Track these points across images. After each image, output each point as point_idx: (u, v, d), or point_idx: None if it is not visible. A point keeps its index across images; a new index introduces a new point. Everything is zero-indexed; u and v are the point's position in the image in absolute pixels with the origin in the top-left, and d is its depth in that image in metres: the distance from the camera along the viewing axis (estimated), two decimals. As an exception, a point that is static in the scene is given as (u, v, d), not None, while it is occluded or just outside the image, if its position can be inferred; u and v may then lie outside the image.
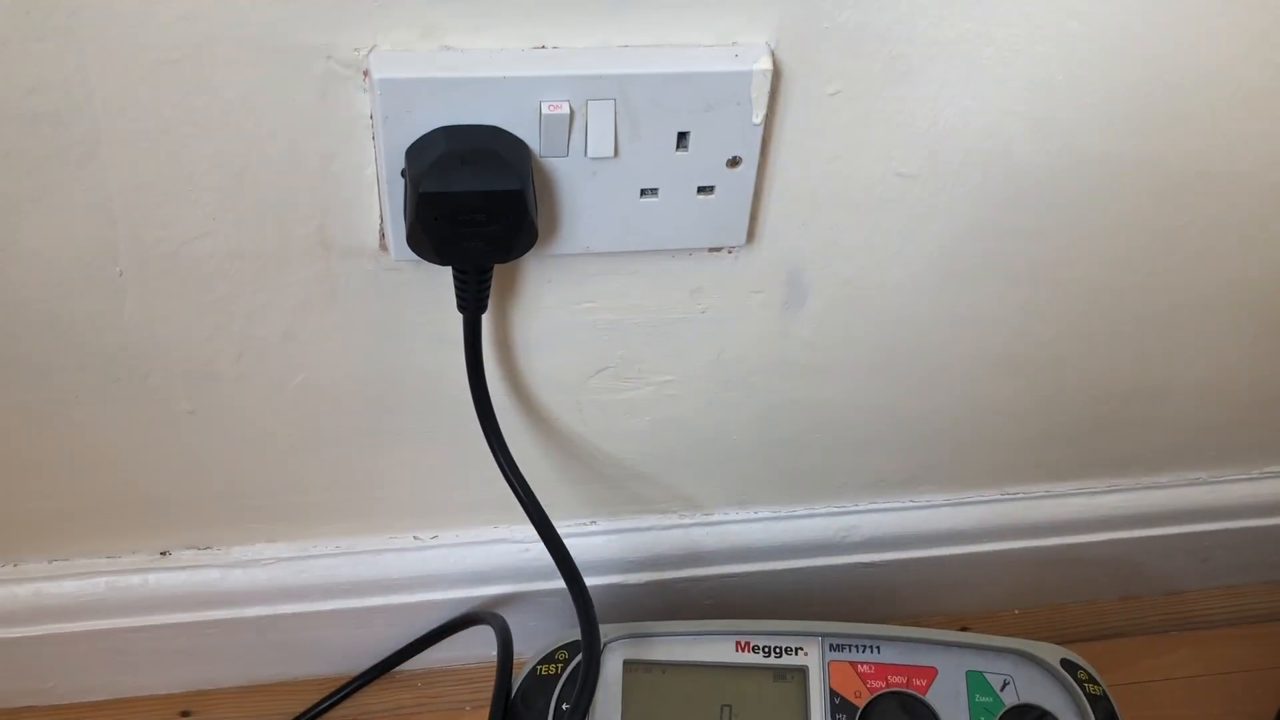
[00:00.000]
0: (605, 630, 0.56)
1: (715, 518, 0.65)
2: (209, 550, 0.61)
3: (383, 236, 0.48)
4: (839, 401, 0.60)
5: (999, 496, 0.67)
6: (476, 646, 0.67)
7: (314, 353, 0.52)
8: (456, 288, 0.48)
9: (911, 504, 0.66)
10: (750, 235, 0.51)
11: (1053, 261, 0.55)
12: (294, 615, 0.62)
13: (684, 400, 0.58)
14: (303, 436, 0.56)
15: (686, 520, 0.65)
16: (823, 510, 0.66)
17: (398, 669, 0.67)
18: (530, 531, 0.61)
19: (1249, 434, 0.67)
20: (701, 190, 0.48)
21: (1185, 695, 0.71)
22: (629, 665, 0.55)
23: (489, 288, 0.48)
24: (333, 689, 0.66)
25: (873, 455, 0.63)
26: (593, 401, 0.58)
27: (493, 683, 0.55)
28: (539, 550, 0.62)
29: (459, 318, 0.49)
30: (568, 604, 0.55)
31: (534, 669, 0.55)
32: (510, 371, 0.55)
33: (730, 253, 0.52)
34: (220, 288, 0.49)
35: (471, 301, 0.48)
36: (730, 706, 0.55)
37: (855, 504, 0.66)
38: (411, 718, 0.67)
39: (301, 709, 0.66)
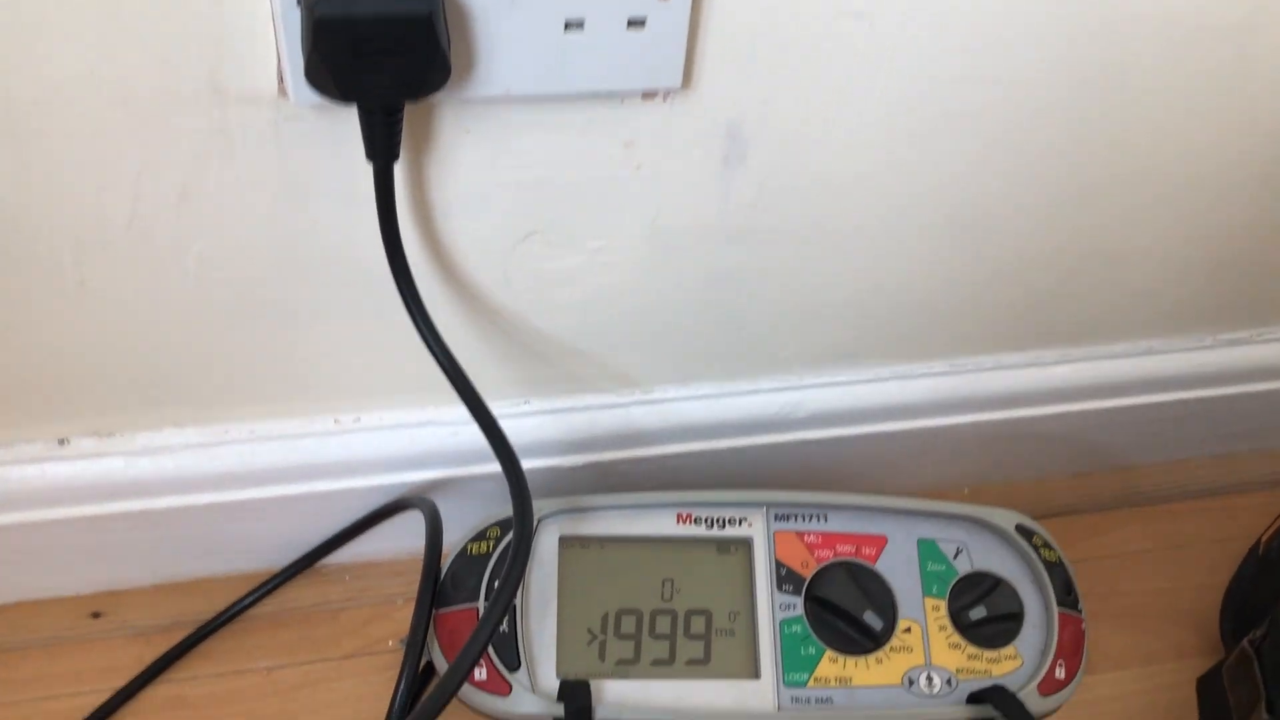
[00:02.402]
0: (540, 505, 0.53)
1: (655, 396, 0.62)
2: (112, 437, 0.56)
3: (281, 80, 0.43)
4: (782, 269, 0.57)
5: (948, 369, 0.65)
6: (407, 537, 0.64)
7: (214, 216, 0.48)
8: (364, 131, 0.43)
9: (858, 378, 0.64)
10: (686, 78, 0.47)
11: (1005, 114, 0.52)
12: (207, 506, 0.58)
13: (619, 269, 0.55)
14: (208, 311, 0.52)
15: (625, 399, 0.62)
16: (766, 386, 0.63)
17: (323, 562, 0.64)
18: (460, 413, 0.58)
19: (1203, 301, 0.65)
20: (632, 24, 0.44)
21: (1136, 571, 0.70)
22: (565, 541, 0.52)
23: (400, 131, 0.44)
24: (254, 585, 0.63)
25: (818, 327, 0.60)
26: (521, 271, 0.54)
27: (423, 571, 0.52)
28: (469, 432, 0.59)
29: (369, 172, 0.45)
30: (501, 488, 0.52)
31: (464, 548, 0.52)
32: (430, 238, 0.51)
33: (665, 100, 0.48)
34: (104, 140, 0.44)
35: (381, 147, 0.44)
36: (672, 580, 0.52)
37: (800, 379, 0.63)
38: (340, 613, 0.64)
39: (221, 607, 0.63)
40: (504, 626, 0.50)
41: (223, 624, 0.62)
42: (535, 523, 0.52)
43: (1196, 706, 0.63)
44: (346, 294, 0.53)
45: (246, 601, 0.63)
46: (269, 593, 0.63)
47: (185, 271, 0.50)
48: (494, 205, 0.50)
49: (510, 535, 0.51)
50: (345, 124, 0.45)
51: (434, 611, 0.50)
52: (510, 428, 0.56)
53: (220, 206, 0.48)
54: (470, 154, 0.48)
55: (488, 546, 0.51)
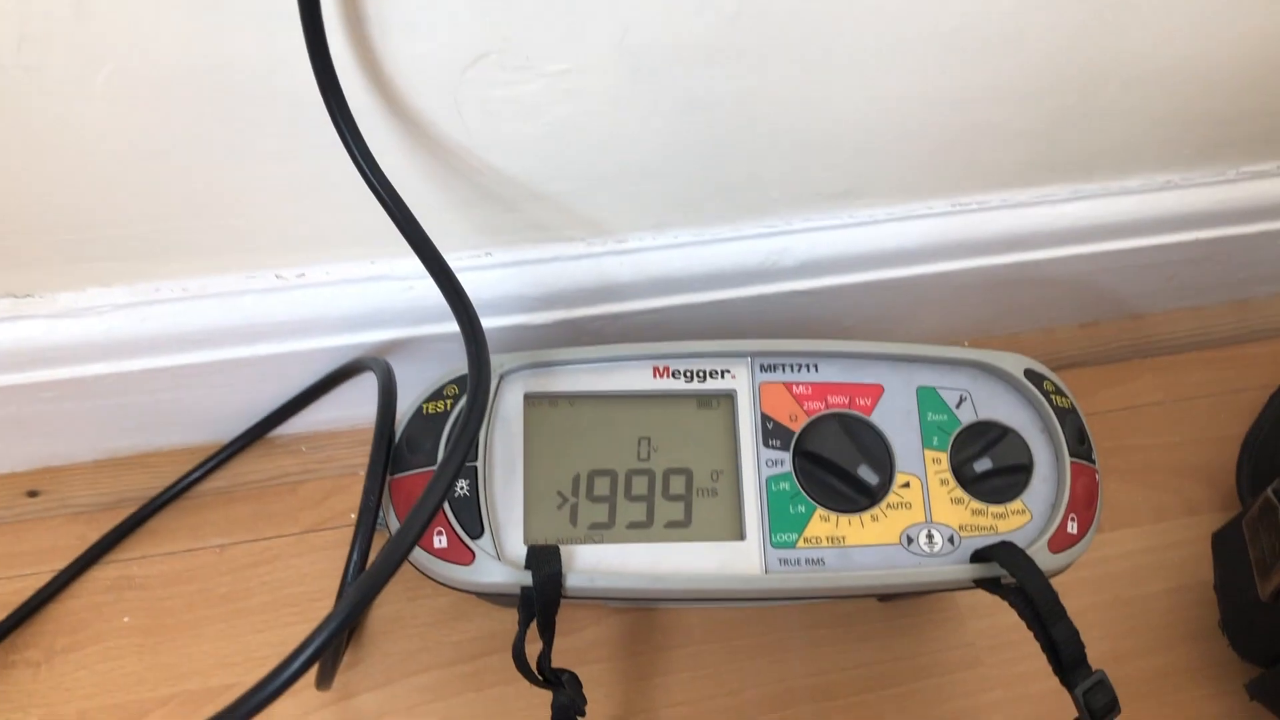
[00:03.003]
0: (502, 360, 0.48)
1: (629, 245, 0.57)
2: (30, 299, 0.51)
3: None
4: (768, 94, 0.51)
5: (950, 209, 0.59)
6: (367, 404, 0.59)
7: (120, 36, 0.42)
8: (277, -78, 0.38)
9: (851, 220, 0.58)
10: None
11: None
12: (143, 373, 0.53)
13: (584, 97, 0.49)
14: (124, 151, 0.46)
15: (596, 249, 0.57)
16: (750, 232, 0.58)
17: (276, 432, 0.60)
18: (414, 265, 0.53)
19: (1229, 127, 0.59)
20: None
21: (1148, 424, 0.66)
22: (530, 399, 0.48)
23: (319, -79, 0.38)
24: (203, 458, 0.59)
25: (807, 162, 0.55)
26: (474, 100, 0.48)
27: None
28: (425, 287, 0.54)
29: (292, -23, 0.39)
30: (462, 348, 0.47)
31: (420, 408, 0.47)
32: (367, 62, 0.45)
33: (628, -112, 0.42)
34: (-22, -58, 0.38)
35: (299, -58, 0.38)
36: (649, 438, 0.48)
37: (788, 223, 0.58)
38: (299, 486, 0.60)
39: (168, 482, 0.58)
40: (465, 490, 0.45)
41: (170, 500, 0.58)
42: (498, 378, 0.48)
43: (1211, 562, 0.60)
44: (277, 127, 0.47)
45: (195, 476, 0.58)
46: (219, 466, 0.59)
47: (92, 104, 0.44)
48: (439, 19, 0.44)
49: (469, 392, 0.46)
50: (258, -81, 0.39)
51: (389, 476, 0.46)
52: (470, 282, 0.51)
53: (127, 24, 0.41)
54: (407, -43, 0.42)
55: (445, 405, 0.47)
